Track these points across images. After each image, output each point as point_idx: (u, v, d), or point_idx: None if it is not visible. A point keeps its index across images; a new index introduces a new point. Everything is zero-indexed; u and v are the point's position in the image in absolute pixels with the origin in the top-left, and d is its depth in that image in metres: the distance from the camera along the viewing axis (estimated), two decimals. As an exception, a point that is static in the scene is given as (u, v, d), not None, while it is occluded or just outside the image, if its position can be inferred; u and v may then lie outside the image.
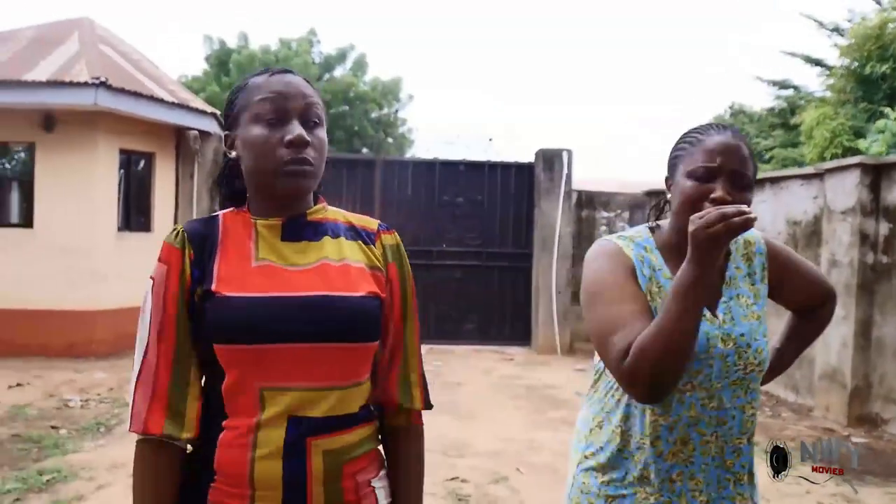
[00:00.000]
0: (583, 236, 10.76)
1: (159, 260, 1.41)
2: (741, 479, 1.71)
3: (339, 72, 26.19)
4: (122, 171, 9.53)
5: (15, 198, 9.58)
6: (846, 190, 6.83)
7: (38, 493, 4.47)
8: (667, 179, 1.74)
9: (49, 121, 8.94)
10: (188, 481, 1.41)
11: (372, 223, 1.57)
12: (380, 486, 1.48)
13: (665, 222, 1.78)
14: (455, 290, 10.70)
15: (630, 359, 1.53)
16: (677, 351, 1.49)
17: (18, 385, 7.46)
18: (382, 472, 1.51)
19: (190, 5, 58.68)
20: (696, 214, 1.45)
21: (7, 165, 9.85)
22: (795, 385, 7.64)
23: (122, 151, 9.44)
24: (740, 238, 1.77)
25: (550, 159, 10.61)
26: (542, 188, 10.58)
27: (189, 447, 1.42)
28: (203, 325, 1.37)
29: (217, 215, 1.49)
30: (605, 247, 1.76)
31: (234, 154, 1.45)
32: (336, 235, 1.49)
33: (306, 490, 1.35)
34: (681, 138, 1.73)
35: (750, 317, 1.71)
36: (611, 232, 10.88)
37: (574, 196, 10.77)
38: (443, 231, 10.76)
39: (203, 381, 1.42)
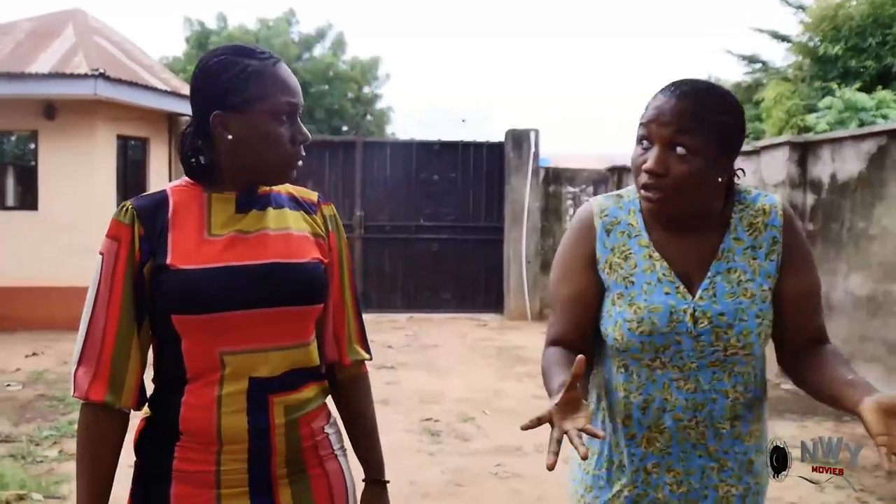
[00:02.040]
0: (550, 210, 11.52)
1: (108, 236, 1.46)
2: (725, 466, 1.59)
3: (318, 51, 26.68)
4: (119, 155, 10.18)
5: (20, 182, 10.25)
6: (777, 165, 7.64)
7: (71, 438, 5.21)
8: None
9: (50, 110, 9.58)
10: (153, 444, 1.48)
11: (312, 195, 1.65)
12: (332, 432, 1.60)
13: None
14: (432, 263, 11.46)
15: (543, 357, 1.63)
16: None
17: (34, 354, 8.18)
18: (332, 420, 1.63)
19: (166, -16, 58.78)
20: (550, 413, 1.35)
21: (12, 152, 10.53)
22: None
23: (119, 137, 10.11)
24: (753, 204, 1.61)
25: (519, 139, 11.37)
26: (511, 166, 11.34)
27: (149, 412, 1.51)
28: (158, 298, 1.44)
29: (164, 191, 1.52)
30: (582, 212, 1.70)
31: (230, 137, 1.45)
32: (279, 206, 1.56)
33: (270, 440, 1.45)
34: None
35: (740, 294, 1.55)
36: (576, 206, 11.67)
37: (542, 173, 11.53)
38: (420, 207, 11.49)
39: (158, 351, 1.50)
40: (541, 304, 11.18)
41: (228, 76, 1.45)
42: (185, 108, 10.65)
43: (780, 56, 20.44)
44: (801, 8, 14.93)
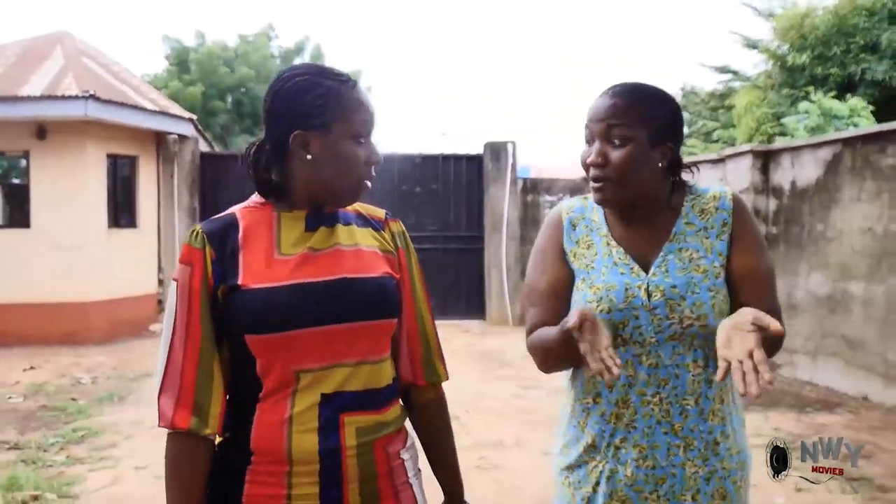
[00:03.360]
0: (529, 218, 11.90)
1: (181, 262, 1.46)
2: (692, 445, 1.65)
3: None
4: (109, 173, 10.48)
5: (13, 201, 10.57)
6: (741, 172, 8.07)
7: (77, 444, 5.51)
8: None
9: (41, 130, 9.87)
10: (225, 465, 1.47)
11: (379, 212, 1.65)
12: (408, 458, 1.56)
13: None
14: (416, 272, 11.79)
15: (528, 344, 1.77)
16: (552, 366, 1.75)
17: (32, 368, 8.43)
18: (409, 444, 1.58)
19: (145, 5, 59.18)
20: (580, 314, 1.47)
21: (5, 172, 10.83)
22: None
23: (109, 156, 10.42)
24: (705, 194, 1.74)
25: (497, 151, 11.78)
26: (490, 177, 11.76)
27: (219, 437, 1.50)
28: (231, 319, 1.43)
29: (233, 213, 1.52)
30: (552, 212, 1.86)
31: (309, 157, 1.46)
32: (347, 223, 1.55)
33: (341, 462, 1.42)
34: None
35: (692, 270, 1.66)
36: (554, 214, 12.04)
37: (520, 183, 11.94)
38: (403, 218, 11.11)
39: (231, 371, 1.48)
40: (522, 309, 11.52)
41: (312, 97, 1.46)
42: (172, 127, 10.97)
43: (751, 65, 20.78)
44: (771, 16, 15.19)
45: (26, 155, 10.10)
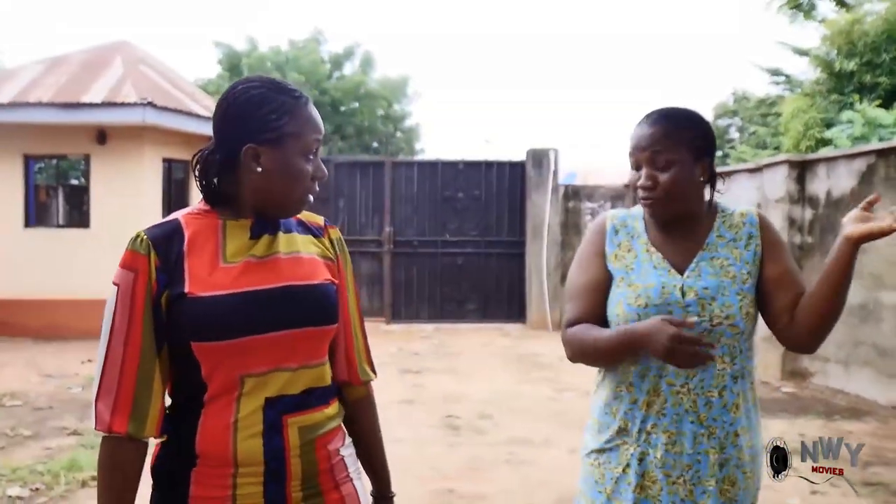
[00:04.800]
0: (569, 224, 12.07)
1: (122, 266, 1.45)
2: (714, 433, 1.79)
3: (347, 69, 27.42)
4: (164, 176, 10.97)
5: (74, 202, 11.12)
6: (777, 182, 8.16)
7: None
8: None
9: (102, 135, 10.39)
10: (170, 467, 1.48)
11: (318, 219, 1.68)
12: (347, 454, 1.61)
13: None
14: (457, 275, 12.10)
15: (565, 335, 1.93)
16: (588, 360, 1.91)
17: (90, 361, 8.84)
18: (347, 442, 1.64)
19: (198, 12, 60.59)
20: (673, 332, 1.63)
21: (66, 174, 11.39)
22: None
23: (165, 160, 10.91)
24: (734, 212, 1.94)
25: (539, 157, 11.99)
26: (532, 183, 11.96)
27: (155, 440, 1.49)
28: (177, 326, 1.43)
29: (176, 219, 1.51)
30: (598, 218, 2.05)
31: (259, 169, 1.47)
32: (288, 230, 1.58)
33: (285, 462, 1.46)
34: None
35: (722, 275, 1.83)
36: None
37: (561, 189, 12.12)
38: (446, 223, 12.14)
39: (175, 374, 1.49)
40: (561, 314, 11.65)
41: (266, 111, 1.47)
42: (225, 132, 11.39)
43: (801, 69, 20.43)
44: (823, 21, 14.98)
45: (87, 158, 10.63)
